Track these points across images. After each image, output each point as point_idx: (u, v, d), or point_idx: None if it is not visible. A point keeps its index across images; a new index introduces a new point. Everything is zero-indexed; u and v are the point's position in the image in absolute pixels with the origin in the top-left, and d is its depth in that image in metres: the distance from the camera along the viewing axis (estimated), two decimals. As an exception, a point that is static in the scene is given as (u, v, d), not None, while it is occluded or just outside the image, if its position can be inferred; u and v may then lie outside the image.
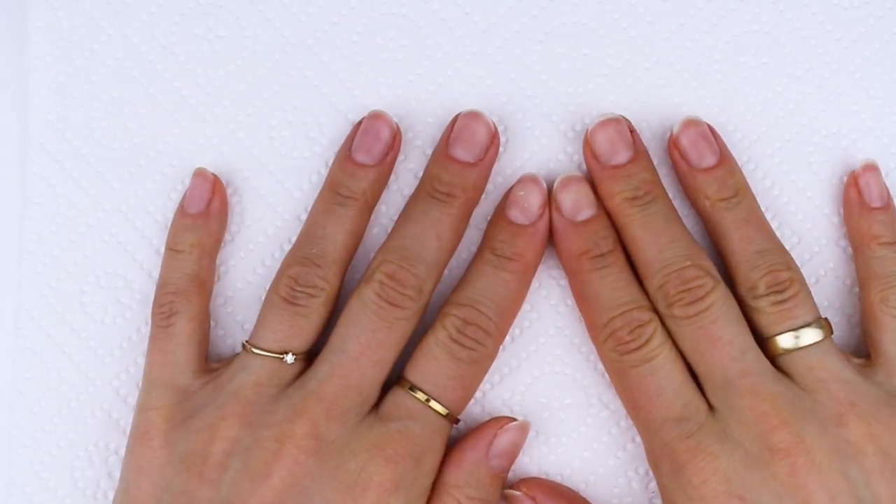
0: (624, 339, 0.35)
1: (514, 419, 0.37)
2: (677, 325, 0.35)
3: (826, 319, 0.35)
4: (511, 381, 0.39)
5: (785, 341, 0.35)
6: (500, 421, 0.37)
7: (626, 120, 0.37)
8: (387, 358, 0.35)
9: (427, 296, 0.36)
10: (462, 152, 0.37)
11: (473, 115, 0.38)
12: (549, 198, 0.37)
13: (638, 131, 0.37)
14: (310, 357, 0.36)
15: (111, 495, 0.39)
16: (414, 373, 0.36)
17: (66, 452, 0.39)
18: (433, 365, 0.35)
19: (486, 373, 0.37)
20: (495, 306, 0.36)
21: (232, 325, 0.39)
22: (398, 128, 0.38)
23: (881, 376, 0.36)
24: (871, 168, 0.38)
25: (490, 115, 0.39)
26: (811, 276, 0.39)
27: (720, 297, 0.35)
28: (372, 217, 0.39)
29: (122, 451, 0.39)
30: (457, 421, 0.36)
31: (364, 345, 0.35)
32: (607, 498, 0.38)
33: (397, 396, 0.36)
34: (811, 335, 0.35)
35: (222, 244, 0.39)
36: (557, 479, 0.38)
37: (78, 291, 0.39)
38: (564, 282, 0.39)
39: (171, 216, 0.39)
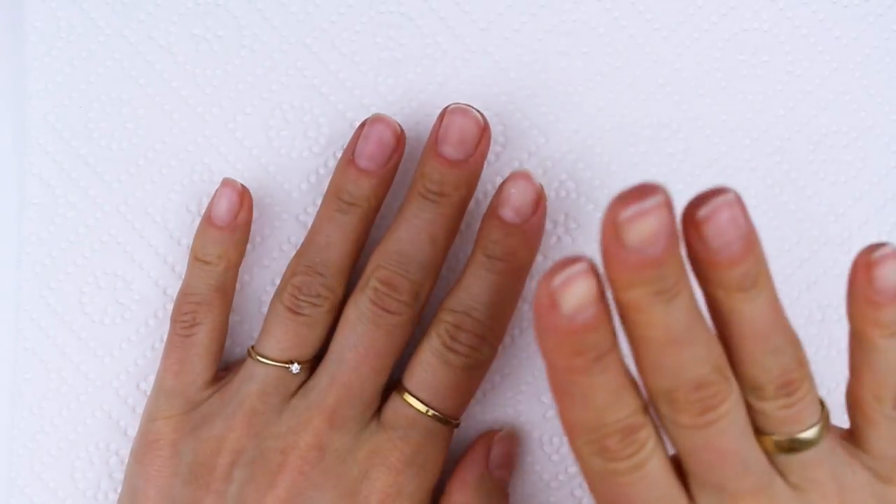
0: (613, 447, 0.29)
1: (501, 430, 0.38)
2: (679, 431, 0.29)
3: (825, 410, 0.31)
4: (511, 381, 0.39)
5: (784, 444, 0.30)
6: (489, 435, 0.38)
7: (671, 206, 0.27)
8: (386, 364, 0.35)
9: (424, 298, 0.36)
10: (451, 150, 0.36)
11: (461, 111, 0.36)
12: (542, 194, 0.36)
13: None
14: (315, 363, 0.37)
15: (112, 496, 0.39)
16: (411, 381, 0.36)
17: (66, 453, 0.39)
18: (429, 373, 0.35)
19: (483, 376, 0.37)
20: (488, 310, 0.35)
21: (231, 325, 0.39)
22: (402, 130, 0.37)
23: (868, 461, 0.32)
24: (891, 258, 0.30)
25: (490, 115, 0.39)
26: (810, 275, 0.39)
27: (734, 406, 0.29)
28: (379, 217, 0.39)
29: (123, 452, 0.39)
30: (457, 424, 0.36)
31: (362, 354, 0.35)
32: (608, 497, 0.38)
33: (396, 404, 0.36)
34: (811, 434, 0.30)
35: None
36: (559, 479, 0.39)
37: (77, 292, 0.39)
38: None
39: (170, 216, 0.39)
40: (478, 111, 0.36)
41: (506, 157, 0.39)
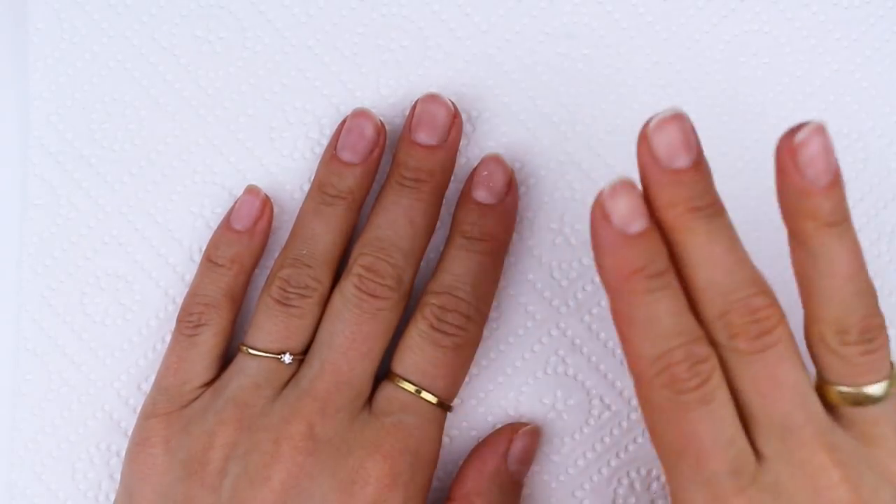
0: (682, 376, 0.29)
1: (526, 424, 0.38)
2: (739, 360, 0.30)
3: (892, 364, 0.31)
4: (513, 382, 0.39)
5: (854, 394, 0.31)
6: (513, 427, 0.37)
7: (688, 118, 0.31)
8: (374, 349, 0.36)
9: (407, 283, 0.36)
10: (424, 136, 0.37)
11: (432, 98, 0.38)
12: (513, 176, 0.38)
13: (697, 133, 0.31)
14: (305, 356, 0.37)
15: (113, 497, 0.38)
16: (401, 365, 0.36)
17: (67, 454, 0.39)
18: (418, 355, 0.36)
19: (472, 356, 0.37)
20: (472, 289, 0.36)
21: (233, 327, 0.39)
22: (382, 124, 0.38)
23: None
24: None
25: (491, 116, 0.39)
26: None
27: (787, 334, 0.30)
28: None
29: (124, 454, 0.39)
30: (450, 408, 0.36)
31: (350, 339, 0.35)
32: (610, 499, 0.38)
33: (387, 390, 0.36)
34: (880, 388, 0.31)
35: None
36: (560, 480, 0.38)
37: (78, 293, 0.39)
38: (567, 282, 0.39)
39: (172, 217, 0.39)
40: (448, 99, 0.38)
41: (508, 157, 0.39)
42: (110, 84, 0.40)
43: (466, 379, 0.38)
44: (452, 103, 0.38)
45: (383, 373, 0.36)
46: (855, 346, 0.30)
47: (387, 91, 0.40)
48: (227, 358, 0.38)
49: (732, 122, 0.39)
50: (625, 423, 0.38)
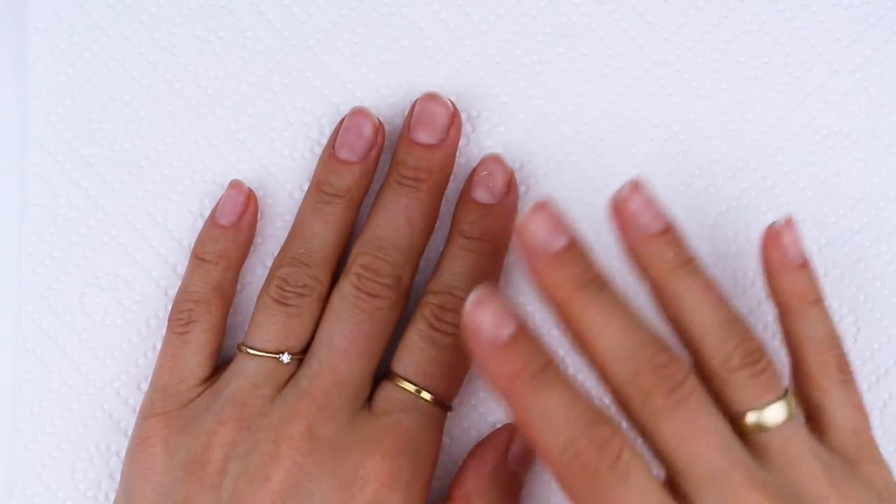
0: (592, 460, 0.29)
1: None
2: (656, 418, 0.30)
3: (787, 388, 0.32)
4: (513, 381, 0.39)
5: (760, 418, 0.31)
6: (513, 427, 0.37)
7: (555, 204, 0.32)
8: (373, 349, 0.36)
9: (406, 283, 0.36)
10: (423, 135, 0.37)
11: (431, 98, 0.38)
12: (513, 176, 0.38)
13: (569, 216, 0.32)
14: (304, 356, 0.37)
15: (112, 497, 0.38)
16: (400, 365, 0.36)
17: (67, 454, 0.39)
18: (417, 355, 0.36)
19: (471, 356, 0.37)
20: (471, 289, 0.36)
21: (232, 325, 0.39)
22: (380, 123, 0.38)
23: (833, 441, 0.34)
24: (791, 225, 0.35)
25: (490, 116, 0.39)
26: (812, 275, 0.39)
27: (697, 384, 0.30)
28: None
29: (124, 453, 0.39)
30: (450, 408, 0.36)
31: (349, 338, 0.35)
32: (609, 498, 0.38)
33: (387, 390, 0.36)
34: (783, 410, 0.31)
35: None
36: (559, 479, 0.39)
37: (78, 293, 0.39)
38: (565, 282, 0.39)
39: (171, 217, 0.39)
40: (448, 99, 0.38)
41: (508, 157, 0.39)
42: (110, 84, 0.40)
43: (466, 379, 0.38)
44: (452, 103, 0.38)
45: (383, 372, 0.36)
46: (742, 370, 0.31)
47: (387, 91, 0.40)
48: (222, 355, 0.38)
49: (732, 122, 0.39)
50: (624, 424, 0.38)
